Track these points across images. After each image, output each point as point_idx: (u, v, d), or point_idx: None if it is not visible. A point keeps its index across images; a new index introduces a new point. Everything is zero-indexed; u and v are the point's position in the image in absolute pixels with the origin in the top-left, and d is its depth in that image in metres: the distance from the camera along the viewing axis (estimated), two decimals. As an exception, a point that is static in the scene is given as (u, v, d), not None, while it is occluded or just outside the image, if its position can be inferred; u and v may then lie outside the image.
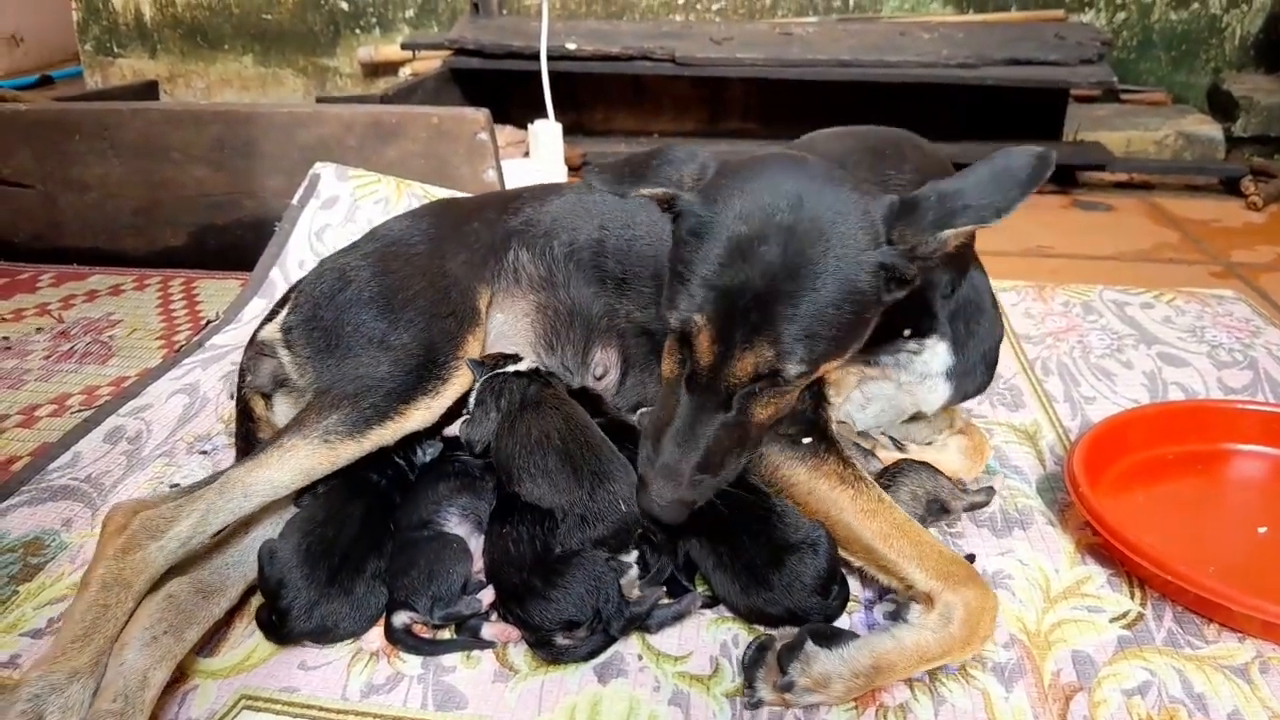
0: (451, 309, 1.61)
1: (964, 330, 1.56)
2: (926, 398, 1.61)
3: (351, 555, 1.38)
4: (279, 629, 1.33)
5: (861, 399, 1.63)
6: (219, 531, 1.37)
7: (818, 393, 1.48)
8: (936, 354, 1.55)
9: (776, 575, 1.34)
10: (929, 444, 1.75)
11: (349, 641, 1.36)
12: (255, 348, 1.71)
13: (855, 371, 1.55)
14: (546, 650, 1.32)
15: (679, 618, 1.38)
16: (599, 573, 1.33)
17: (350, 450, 1.43)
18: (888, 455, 1.66)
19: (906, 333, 1.51)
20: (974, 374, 1.62)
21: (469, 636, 1.36)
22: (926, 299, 1.48)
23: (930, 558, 1.31)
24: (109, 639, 1.23)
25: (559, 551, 1.35)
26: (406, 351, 1.53)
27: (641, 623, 1.35)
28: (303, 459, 1.40)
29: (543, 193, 1.89)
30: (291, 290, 1.76)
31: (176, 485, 1.67)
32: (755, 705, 1.25)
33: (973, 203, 1.16)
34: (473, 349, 1.61)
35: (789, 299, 1.21)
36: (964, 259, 1.53)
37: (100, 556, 1.30)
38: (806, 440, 1.44)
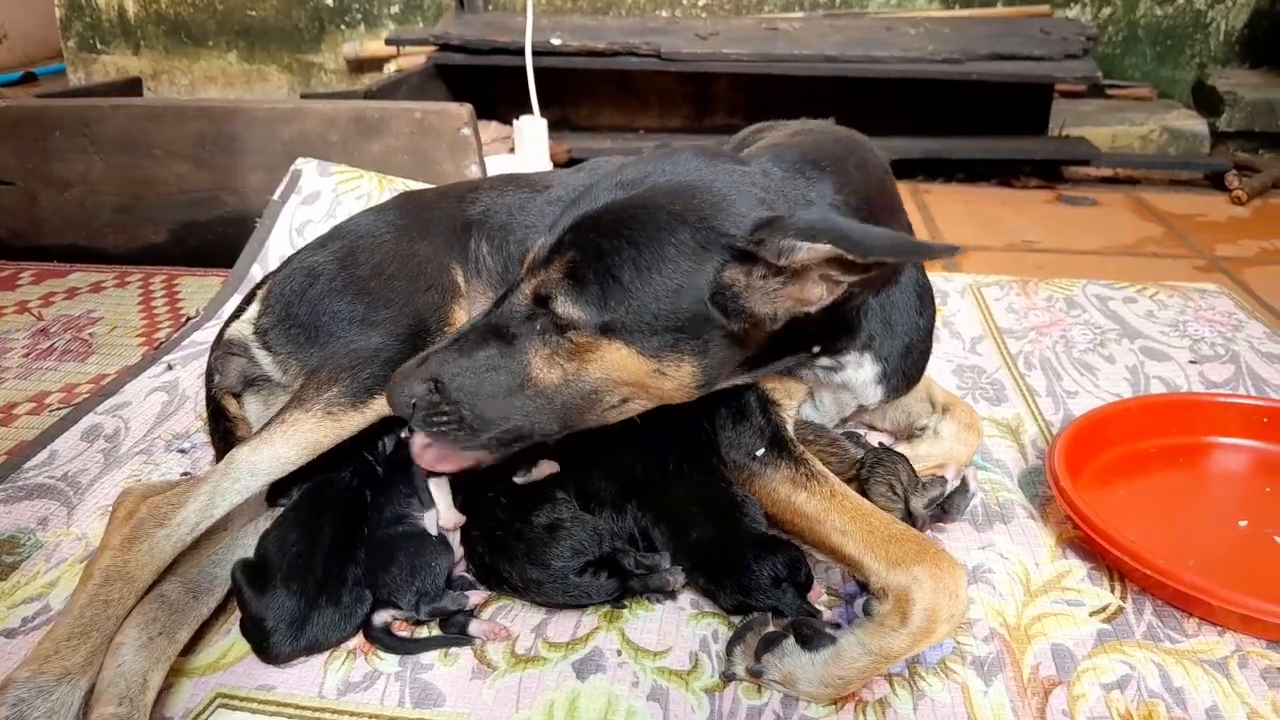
0: (430, 284, 1.60)
1: (885, 332, 1.50)
2: (862, 396, 1.58)
3: (332, 567, 1.36)
4: (265, 651, 1.30)
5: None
6: (225, 514, 1.36)
7: (766, 402, 1.47)
8: (861, 366, 1.50)
9: (732, 566, 1.35)
10: (919, 437, 1.73)
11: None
12: (223, 347, 1.69)
13: (804, 387, 1.54)
14: (565, 593, 1.35)
15: (661, 590, 1.39)
16: (594, 526, 1.39)
17: (354, 421, 1.42)
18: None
19: (815, 349, 1.43)
20: (900, 371, 1.54)
21: (456, 633, 1.35)
22: (841, 314, 1.39)
23: (879, 545, 1.24)
24: (106, 637, 1.20)
25: (545, 521, 1.39)
26: (394, 323, 1.52)
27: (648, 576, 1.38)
28: (307, 432, 1.39)
29: (502, 184, 1.88)
30: (258, 287, 1.75)
31: (188, 474, 1.68)
32: (728, 679, 1.26)
33: (852, 233, 1.09)
34: (459, 317, 1.59)
35: (614, 232, 1.18)
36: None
37: (105, 546, 1.28)
38: (760, 452, 1.43)
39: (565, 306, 1.19)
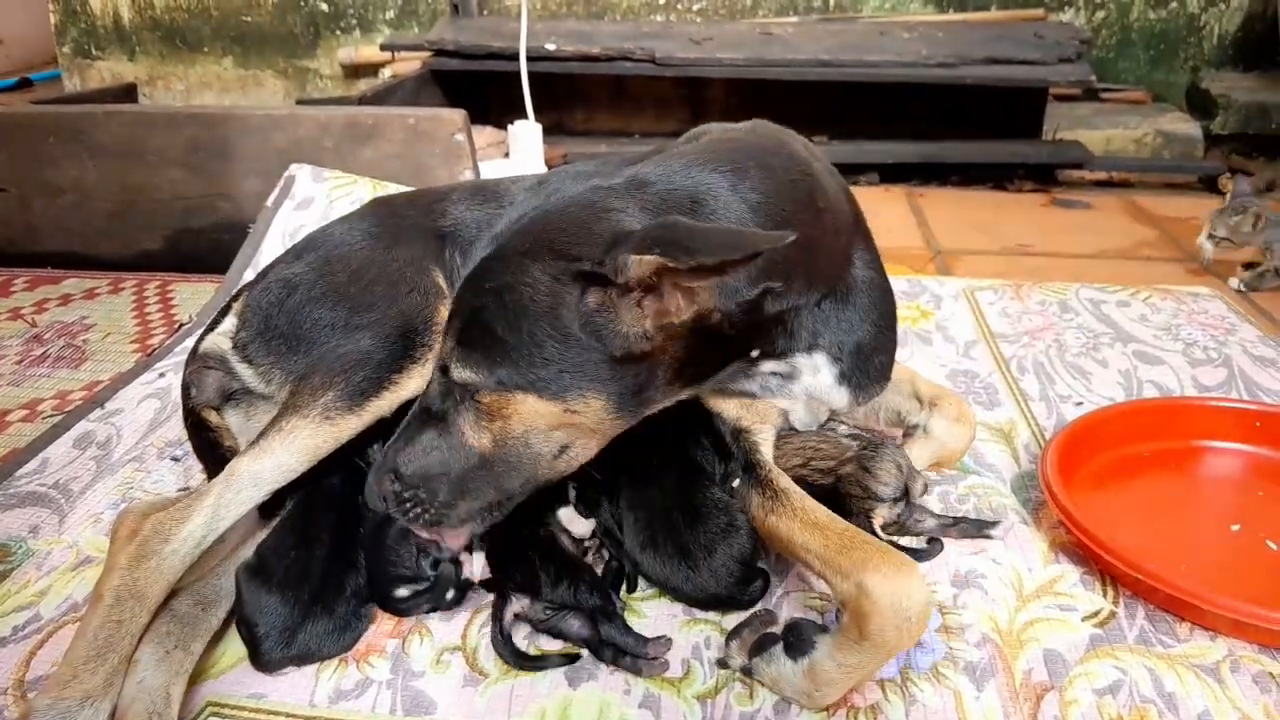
0: (412, 286, 1.59)
1: (834, 330, 1.45)
2: (829, 400, 1.54)
3: (330, 575, 1.36)
4: (257, 657, 1.30)
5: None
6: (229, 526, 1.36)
7: (737, 432, 1.48)
8: (818, 370, 1.46)
9: (705, 560, 1.36)
10: (910, 437, 1.71)
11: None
12: (198, 361, 1.67)
13: (776, 409, 1.53)
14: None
15: (635, 660, 1.30)
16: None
17: (351, 424, 1.42)
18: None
19: (754, 354, 1.38)
20: (860, 370, 1.50)
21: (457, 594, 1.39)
22: (780, 316, 1.35)
23: (834, 556, 1.21)
24: (124, 657, 1.19)
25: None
26: (381, 325, 1.51)
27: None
28: (306, 438, 1.39)
29: (469, 196, 1.85)
30: (233, 300, 1.73)
31: (186, 489, 1.66)
32: (723, 665, 1.29)
33: (682, 239, 1.04)
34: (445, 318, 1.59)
35: (482, 295, 1.19)
36: (836, 268, 1.43)
37: (112, 567, 1.27)
38: (736, 483, 1.43)
39: (460, 372, 1.19)
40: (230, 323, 1.66)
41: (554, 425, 1.22)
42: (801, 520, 1.30)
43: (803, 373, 1.47)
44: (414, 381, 1.48)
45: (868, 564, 1.17)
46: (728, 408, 1.49)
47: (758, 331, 1.34)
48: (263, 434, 1.42)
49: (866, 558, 1.18)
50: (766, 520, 1.36)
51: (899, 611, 1.13)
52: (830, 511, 1.33)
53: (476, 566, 1.48)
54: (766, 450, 1.48)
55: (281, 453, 1.38)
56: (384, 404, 1.45)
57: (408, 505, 1.27)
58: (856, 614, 1.15)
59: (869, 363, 1.51)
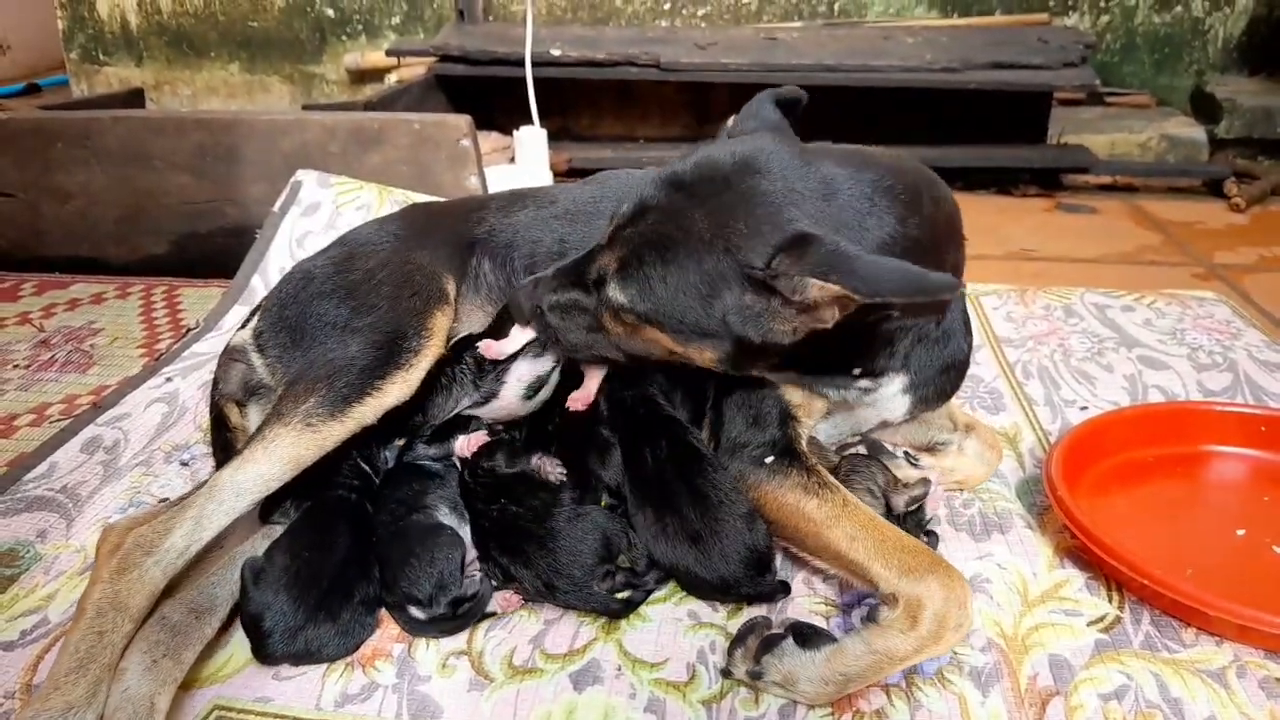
0: (415, 290, 1.60)
1: (924, 357, 1.50)
2: (886, 410, 1.57)
3: (339, 581, 1.36)
4: (260, 650, 1.31)
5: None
6: (214, 537, 1.35)
7: (787, 416, 1.48)
8: (892, 385, 1.50)
9: (715, 544, 1.39)
10: (943, 451, 1.74)
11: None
12: (227, 354, 1.70)
13: (821, 409, 1.54)
14: (580, 600, 1.40)
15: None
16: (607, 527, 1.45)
17: (335, 431, 1.41)
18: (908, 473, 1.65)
19: (856, 371, 1.46)
20: (933, 384, 1.54)
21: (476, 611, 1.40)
22: (891, 337, 1.43)
23: (892, 554, 1.27)
24: (106, 668, 1.19)
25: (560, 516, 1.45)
26: (373, 330, 1.52)
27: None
28: (288, 447, 1.38)
29: (509, 203, 1.88)
30: (265, 299, 1.76)
31: (165, 499, 1.66)
32: (727, 674, 1.29)
33: (861, 272, 1.11)
34: (441, 324, 1.59)
35: (654, 243, 1.29)
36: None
37: (95, 580, 1.27)
38: (769, 460, 1.44)
39: (614, 293, 1.35)
40: (255, 316, 1.69)
41: (673, 349, 1.38)
42: (851, 514, 1.35)
43: (878, 389, 1.51)
44: (397, 388, 1.48)
45: (935, 567, 1.25)
46: (793, 394, 1.51)
47: (867, 349, 1.43)
48: (247, 442, 1.42)
49: (934, 561, 1.27)
50: (804, 503, 1.38)
51: (955, 614, 1.21)
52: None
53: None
54: (804, 442, 1.50)
55: (264, 462, 1.37)
56: (367, 410, 1.45)
57: (550, 331, 1.49)
58: (912, 606, 1.21)
59: (945, 381, 1.56)
